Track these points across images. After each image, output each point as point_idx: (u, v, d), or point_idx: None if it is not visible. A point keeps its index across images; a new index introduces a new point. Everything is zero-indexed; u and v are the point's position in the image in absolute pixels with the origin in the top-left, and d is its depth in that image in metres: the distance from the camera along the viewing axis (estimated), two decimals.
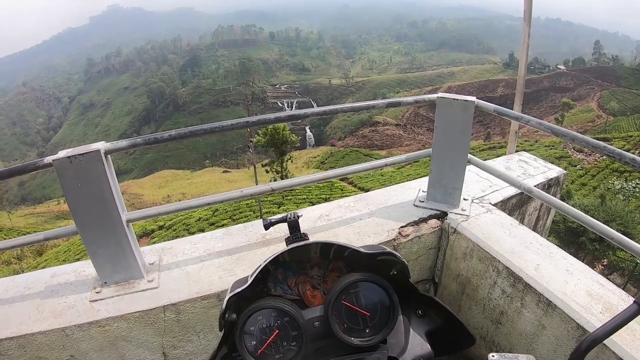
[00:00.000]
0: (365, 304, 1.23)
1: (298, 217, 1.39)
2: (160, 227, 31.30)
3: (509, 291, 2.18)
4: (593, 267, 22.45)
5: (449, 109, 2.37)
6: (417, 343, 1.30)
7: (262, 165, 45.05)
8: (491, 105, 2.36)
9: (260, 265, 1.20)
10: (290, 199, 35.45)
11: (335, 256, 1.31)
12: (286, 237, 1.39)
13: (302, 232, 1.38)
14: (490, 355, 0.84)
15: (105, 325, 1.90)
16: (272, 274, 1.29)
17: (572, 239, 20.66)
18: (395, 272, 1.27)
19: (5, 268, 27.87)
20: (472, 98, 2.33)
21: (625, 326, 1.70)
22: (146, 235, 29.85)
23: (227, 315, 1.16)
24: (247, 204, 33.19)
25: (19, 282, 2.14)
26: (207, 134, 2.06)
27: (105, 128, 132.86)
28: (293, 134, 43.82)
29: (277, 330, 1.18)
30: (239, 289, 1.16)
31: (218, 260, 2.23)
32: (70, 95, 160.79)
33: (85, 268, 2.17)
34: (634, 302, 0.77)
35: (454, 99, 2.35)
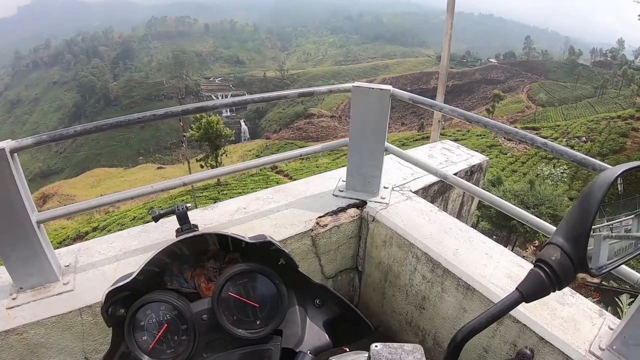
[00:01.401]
0: (254, 295, 1.20)
1: (186, 208, 1.36)
2: (95, 229, 30.15)
3: (429, 276, 2.22)
4: (525, 248, 23.68)
5: (365, 98, 2.38)
6: (315, 333, 1.28)
7: (197, 160, 43.93)
8: (406, 94, 2.38)
9: (145, 260, 1.15)
10: (227, 194, 35.23)
11: (235, 248, 1.28)
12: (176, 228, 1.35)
13: (192, 223, 1.34)
14: (372, 345, 0.81)
15: (22, 332, 1.82)
16: (168, 268, 1.25)
17: (504, 222, 21.66)
18: (283, 262, 1.25)
19: None
20: (388, 87, 2.34)
21: (545, 305, 1.76)
22: (80, 238, 28.60)
23: (110, 310, 1.10)
24: (183, 200, 32.54)
25: None
26: (113, 128, 2.00)
27: (34, 126, 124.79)
28: (227, 128, 43.19)
29: (166, 325, 1.13)
30: (120, 283, 1.10)
31: (134, 259, 2.17)
32: None
33: (2, 274, 2.06)
34: (516, 289, 0.75)
35: (370, 88, 2.35)
